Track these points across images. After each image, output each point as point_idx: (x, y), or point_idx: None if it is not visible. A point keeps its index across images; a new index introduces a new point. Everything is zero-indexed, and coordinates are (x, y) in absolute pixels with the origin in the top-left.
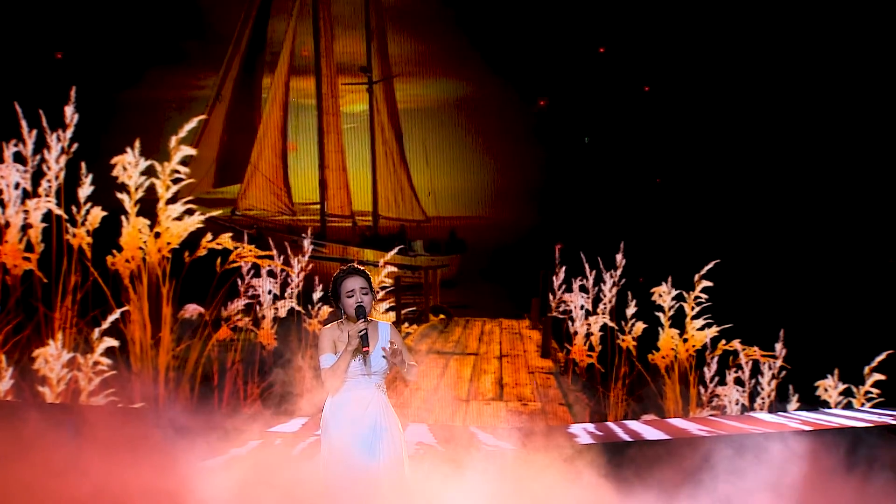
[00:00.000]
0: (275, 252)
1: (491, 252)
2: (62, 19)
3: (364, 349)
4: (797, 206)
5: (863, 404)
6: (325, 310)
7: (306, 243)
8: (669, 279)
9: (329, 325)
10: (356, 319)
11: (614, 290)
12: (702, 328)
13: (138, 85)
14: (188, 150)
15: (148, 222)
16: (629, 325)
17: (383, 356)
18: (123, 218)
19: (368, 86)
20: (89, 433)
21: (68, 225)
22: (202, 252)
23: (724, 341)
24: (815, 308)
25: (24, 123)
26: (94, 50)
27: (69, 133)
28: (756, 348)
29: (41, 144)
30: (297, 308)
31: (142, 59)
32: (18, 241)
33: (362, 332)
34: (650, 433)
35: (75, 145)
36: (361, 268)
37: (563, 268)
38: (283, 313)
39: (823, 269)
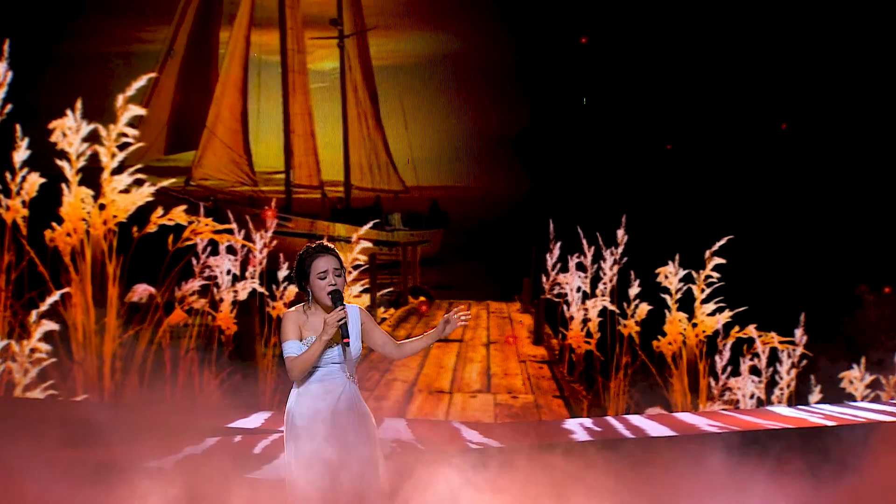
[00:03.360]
0: (234, 227)
1: (477, 226)
2: None
3: (345, 340)
4: (820, 175)
5: (892, 397)
6: (291, 291)
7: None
8: (677, 257)
9: (293, 309)
10: (332, 305)
11: (615, 270)
12: (713, 312)
13: (79, 37)
14: (136, 111)
15: (91, 192)
16: (632, 308)
17: (463, 322)
18: (64, 186)
19: (339, 40)
20: (22, 429)
21: (1, 196)
22: (152, 227)
23: (737, 327)
24: (839, 290)
25: None
26: None
27: (2, 92)
28: (773, 334)
29: None
30: (260, 289)
31: (82, 7)
32: None
33: (342, 322)
34: (655, 429)
35: (9, 106)
36: (331, 246)
37: (558, 244)
38: (243, 295)
39: (848, 247)
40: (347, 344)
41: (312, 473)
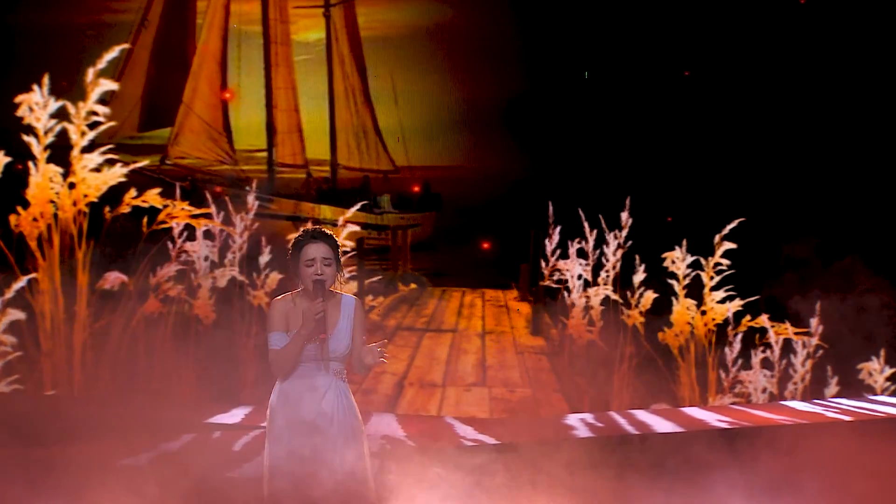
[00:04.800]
0: (213, 209)
1: (472, 209)
2: None
3: (321, 336)
4: (834, 156)
5: None
6: (274, 277)
7: (251, 198)
8: (684, 242)
9: (281, 297)
10: (314, 295)
11: (619, 255)
12: (723, 300)
13: (45, 6)
14: (108, 86)
15: (61, 170)
16: (636, 296)
17: (380, 361)
18: (31, 165)
19: (325, 9)
20: None
21: None
22: (125, 209)
23: (749, 316)
24: (856, 277)
25: None
26: None
27: None
28: (787, 324)
29: None
30: (240, 276)
31: None
32: None
33: (319, 315)
34: (661, 425)
35: None
36: (330, 232)
37: (558, 228)
38: (222, 282)
39: (864, 232)
40: (323, 340)
41: (292, 473)
